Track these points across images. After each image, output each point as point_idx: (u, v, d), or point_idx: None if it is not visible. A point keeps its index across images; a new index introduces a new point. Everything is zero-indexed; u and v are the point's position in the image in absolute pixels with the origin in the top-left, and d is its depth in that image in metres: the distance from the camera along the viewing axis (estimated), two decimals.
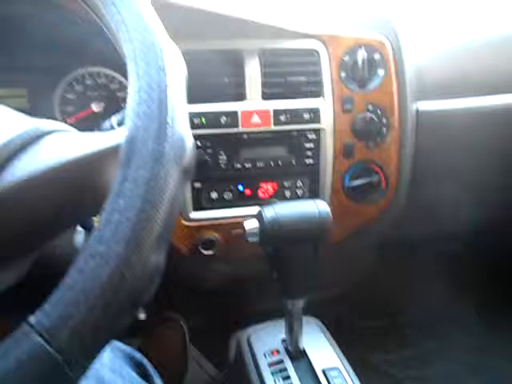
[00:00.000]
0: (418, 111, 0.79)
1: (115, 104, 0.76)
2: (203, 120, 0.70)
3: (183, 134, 0.32)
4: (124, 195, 0.28)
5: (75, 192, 0.32)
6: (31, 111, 0.74)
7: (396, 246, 0.90)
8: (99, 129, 0.49)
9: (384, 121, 0.75)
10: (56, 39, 0.69)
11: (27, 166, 0.30)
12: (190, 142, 0.33)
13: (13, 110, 0.35)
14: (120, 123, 0.47)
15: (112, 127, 0.47)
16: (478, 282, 1.16)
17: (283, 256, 0.59)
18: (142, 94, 0.31)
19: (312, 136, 0.75)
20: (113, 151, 0.31)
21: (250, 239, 0.58)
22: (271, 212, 0.57)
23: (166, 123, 0.30)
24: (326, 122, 0.75)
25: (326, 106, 0.74)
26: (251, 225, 0.58)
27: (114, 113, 0.76)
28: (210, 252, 0.76)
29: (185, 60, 0.68)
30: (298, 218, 0.57)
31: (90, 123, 0.75)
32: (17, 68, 0.73)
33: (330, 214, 0.58)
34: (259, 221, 0.58)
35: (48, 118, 0.75)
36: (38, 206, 0.31)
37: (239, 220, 0.75)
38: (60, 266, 0.35)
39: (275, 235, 0.57)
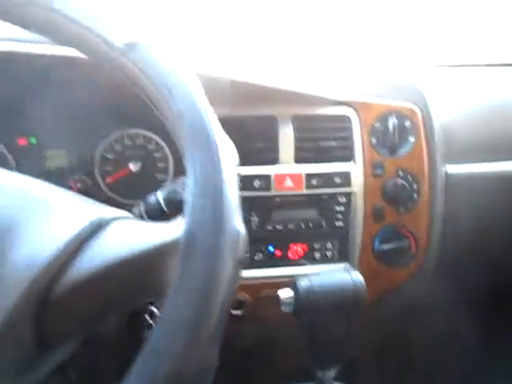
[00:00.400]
0: (447, 175, 0.79)
1: (152, 164, 0.79)
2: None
3: (238, 227, 0.33)
4: (182, 293, 0.29)
5: (134, 287, 0.33)
6: (71, 170, 0.77)
7: (424, 308, 0.88)
8: (144, 200, 0.51)
9: (414, 186, 0.76)
10: (98, 102, 0.73)
11: (89, 262, 0.31)
12: (243, 233, 0.34)
13: (72, 195, 0.37)
14: (166, 199, 0.49)
15: (157, 201, 0.49)
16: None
17: (317, 326, 0.59)
18: (199, 187, 0.32)
19: (343, 199, 0.76)
20: (172, 246, 0.32)
21: (284, 309, 0.58)
22: (306, 282, 0.57)
23: (222, 218, 0.32)
24: (357, 185, 0.76)
25: (356, 170, 0.76)
26: (286, 294, 0.58)
27: (150, 173, 0.79)
28: (238, 312, 0.76)
29: (221, 125, 0.71)
30: (332, 288, 0.57)
31: (127, 182, 0.78)
32: (58, 129, 0.76)
33: (364, 283, 0.58)
34: (294, 291, 0.58)
35: (86, 176, 0.78)
36: (96, 300, 0.32)
37: (269, 281, 0.76)
38: (104, 346, 0.36)
39: (310, 306, 0.57)
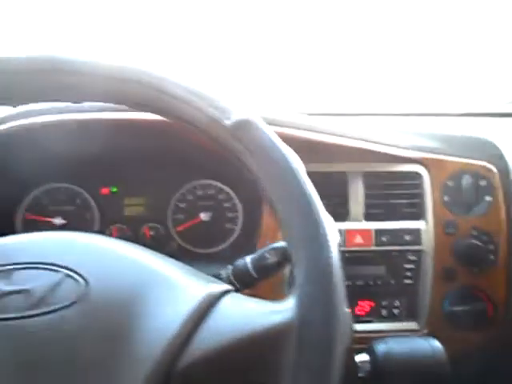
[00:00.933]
0: None
1: (222, 213, 0.81)
2: None
3: (348, 313, 0.34)
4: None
5: (247, 367, 0.34)
6: (146, 218, 0.81)
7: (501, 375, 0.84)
8: (233, 264, 0.52)
9: (491, 247, 0.73)
10: (173, 154, 0.77)
11: (206, 341, 0.33)
12: (351, 319, 0.34)
13: (185, 269, 0.39)
14: (255, 265, 0.50)
15: (246, 266, 0.50)
16: None
17: None
18: (310, 276, 0.33)
19: (412, 257, 0.75)
20: (285, 329, 0.33)
21: (360, 374, 0.57)
22: (384, 347, 0.56)
23: (335, 306, 0.32)
24: (427, 244, 0.74)
25: (427, 228, 0.75)
26: (362, 358, 0.58)
27: (220, 223, 0.81)
28: None
29: None
30: (412, 355, 0.56)
31: (198, 231, 0.81)
32: (137, 179, 0.81)
33: (446, 355, 0.56)
34: (370, 355, 0.57)
35: (159, 224, 0.81)
36: (212, 378, 0.33)
37: None
38: None
39: (387, 372, 0.55)
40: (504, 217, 0.73)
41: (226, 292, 0.38)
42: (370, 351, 0.58)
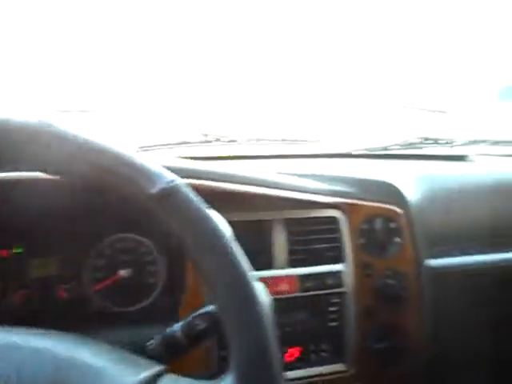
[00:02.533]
0: (433, 270, 0.83)
1: (143, 268, 0.77)
2: None
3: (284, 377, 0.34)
4: None
5: None
6: (60, 278, 0.74)
7: None
8: (162, 333, 0.49)
9: (403, 284, 0.79)
10: (91, 208, 0.72)
11: None
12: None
13: (111, 352, 0.36)
14: (185, 333, 0.47)
15: (175, 334, 0.47)
16: None
17: None
18: (246, 354, 0.33)
19: (335, 300, 0.78)
20: None
21: None
22: None
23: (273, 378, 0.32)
24: (348, 285, 0.78)
25: (347, 270, 0.78)
26: None
27: (142, 278, 0.77)
28: None
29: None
30: None
31: (117, 289, 0.75)
32: (46, 237, 0.74)
33: None
34: None
35: (76, 283, 0.74)
36: None
37: None
38: None
39: None
40: (412, 256, 0.80)
41: (159, 375, 0.35)
42: None
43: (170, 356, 0.48)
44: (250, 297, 0.36)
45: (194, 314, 0.49)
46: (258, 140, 1.11)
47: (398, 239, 0.80)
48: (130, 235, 0.77)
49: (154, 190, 0.38)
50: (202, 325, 0.48)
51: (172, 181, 0.39)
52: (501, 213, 1.02)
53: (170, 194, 0.38)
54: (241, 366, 0.34)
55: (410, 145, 1.20)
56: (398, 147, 1.18)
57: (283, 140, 1.17)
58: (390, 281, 0.77)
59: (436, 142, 1.22)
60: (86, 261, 0.75)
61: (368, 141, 1.24)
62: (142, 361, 0.38)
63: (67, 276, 0.74)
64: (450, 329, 0.85)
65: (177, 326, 0.49)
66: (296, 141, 1.16)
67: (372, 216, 0.80)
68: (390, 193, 0.83)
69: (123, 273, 0.76)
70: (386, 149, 1.17)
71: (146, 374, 0.34)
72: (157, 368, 0.37)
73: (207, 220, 0.39)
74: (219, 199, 0.73)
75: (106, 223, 0.75)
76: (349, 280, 0.78)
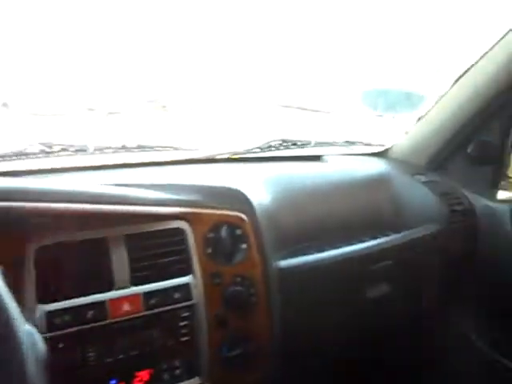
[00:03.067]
0: (281, 271, 0.85)
1: None
2: (66, 318, 0.65)
3: None
4: None
5: None
6: None
7: None
8: None
9: (252, 290, 0.79)
10: None
11: None
12: None
13: None
14: None
15: None
16: None
17: None
18: None
19: (185, 313, 0.75)
20: None
21: None
22: None
23: None
24: (198, 297, 0.76)
25: (196, 281, 0.76)
26: None
27: None
28: None
29: (42, 255, 0.64)
30: None
31: None
32: None
33: None
34: None
35: None
36: None
37: None
38: None
39: None
40: (259, 260, 0.81)
41: None
42: None
43: None
44: (8, 358, 0.31)
45: None
46: (110, 148, 1.04)
47: (244, 245, 0.80)
48: None
49: None
50: None
51: None
52: (350, 208, 1.09)
53: None
54: None
55: (270, 147, 1.23)
56: (259, 150, 1.20)
57: (140, 147, 1.12)
58: (238, 287, 0.78)
59: (294, 143, 1.27)
60: None
61: (231, 144, 1.25)
62: None
63: None
64: (302, 329, 0.88)
65: None
66: (153, 148, 1.12)
67: (218, 224, 0.79)
68: (236, 199, 0.83)
69: None
70: (247, 152, 1.18)
71: None
72: None
73: None
74: (42, 221, 0.66)
75: None
76: (197, 291, 0.76)
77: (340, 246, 0.97)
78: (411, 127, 1.30)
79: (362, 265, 0.99)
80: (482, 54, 1.09)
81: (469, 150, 1.16)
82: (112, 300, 0.69)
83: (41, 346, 0.34)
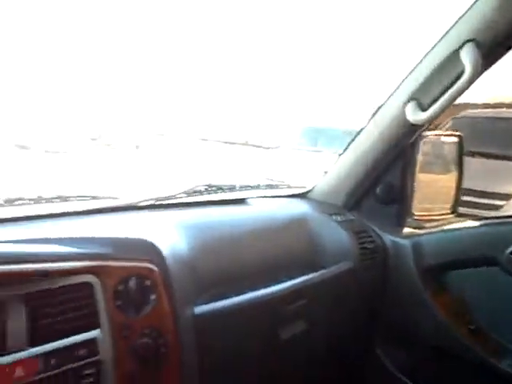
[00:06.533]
0: (196, 318, 0.86)
1: None
2: None
3: None
4: None
5: None
6: None
7: None
8: None
9: (161, 341, 0.79)
10: None
11: None
12: None
13: None
14: None
15: None
16: None
17: None
18: None
19: (91, 370, 0.73)
20: None
21: None
22: None
23: None
24: (105, 352, 0.74)
25: (103, 336, 0.75)
26: None
27: None
28: None
29: None
30: None
31: None
32: None
33: None
34: None
35: None
36: None
37: None
38: None
39: None
40: (168, 311, 0.81)
41: None
42: None
43: None
44: None
45: None
46: (22, 200, 1.01)
47: (153, 296, 0.80)
48: None
49: None
50: None
51: None
52: (269, 249, 1.13)
53: None
54: None
55: (195, 192, 1.25)
56: (184, 195, 1.22)
57: (58, 197, 1.09)
58: (146, 339, 0.77)
59: (220, 187, 1.30)
60: None
61: (157, 190, 1.26)
62: None
63: None
64: (221, 376, 0.88)
65: None
66: (71, 197, 1.10)
67: (127, 276, 0.79)
68: (144, 250, 0.83)
69: None
70: (172, 197, 1.19)
71: None
72: None
73: None
74: None
75: None
76: (105, 346, 0.74)
77: (258, 288, 1.00)
78: (330, 167, 1.38)
79: (279, 305, 1.02)
80: (386, 97, 1.19)
81: (377, 191, 1.26)
82: (4, 366, 0.65)
83: None
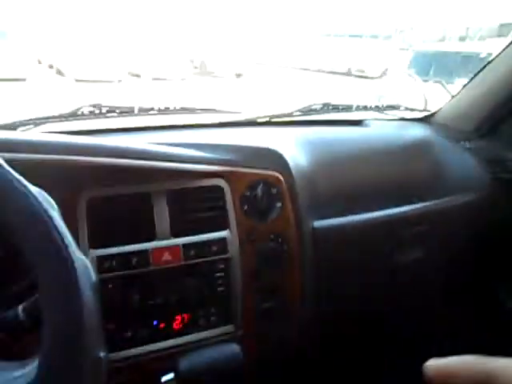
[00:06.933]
0: (314, 231, 0.88)
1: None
2: (113, 263, 0.71)
3: (99, 357, 0.34)
4: None
5: None
6: None
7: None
8: (1, 313, 0.48)
9: (284, 247, 0.82)
10: None
11: None
12: (105, 363, 0.35)
13: None
14: (26, 312, 0.46)
15: (17, 317, 0.47)
16: None
17: None
18: (56, 329, 0.33)
19: (221, 265, 0.80)
20: None
21: None
22: (186, 364, 0.59)
23: (80, 358, 0.32)
24: (233, 251, 0.80)
25: (232, 237, 0.80)
26: (167, 377, 0.59)
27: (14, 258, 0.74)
28: None
29: (93, 206, 0.70)
30: (214, 366, 0.59)
31: None
32: None
33: (242, 355, 0.61)
34: (175, 373, 0.59)
35: None
36: None
37: (155, 355, 0.75)
38: None
39: None
40: (292, 219, 0.84)
41: None
42: (174, 368, 0.60)
43: (12, 337, 0.47)
44: (64, 277, 0.36)
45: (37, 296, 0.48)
46: (155, 110, 1.08)
47: (279, 204, 0.83)
48: None
49: None
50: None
51: None
52: (389, 173, 1.09)
53: None
54: (47, 341, 0.33)
55: (311, 111, 1.23)
56: (300, 113, 1.21)
57: (183, 109, 1.15)
58: (272, 244, 0.81)
59: (336, 107, 1.26)
60: None
61: (271, 108, 1.26)
62: None
63: None
64: (333, 287, 0.91)
65: (20, 307, 0.48)
66: (195, 110, 1.15)
67: (254, 183, 0.82)
68: (273, 159, 0.85)
69: None
70: (288, 115, 1.19)
71: None
72: None
73: (23, 196, 0.38)
74: (94, 174, 0.72)
75: None
76: (233, 246, 0.80)
77: (376, 210, 0.98)
78: (459, 91, 1.25)
79: (397, 229, 1.00)
80: None
81: None
82: (154, 249, 0.75)
83: (93, 273, 0.39)
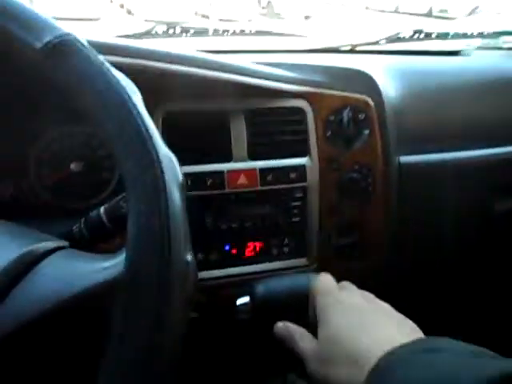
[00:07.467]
0: (400, 166, 0.79)
1: (97, 162, 0.73)
2: (188, 183, 0.68)
3: (186, 259, 0.30)
4: (126, 343, 0.26)
5: (74, 333, 0.30)
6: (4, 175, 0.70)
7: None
8: (85, 214, 0.47)
9: (369, 180, 0.75)
10: (25, 95, 0.66)
11: (21, 309, 0.28)
12: (193, 266, 0.31)
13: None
14: (109, 215, 0.44)
15: (100, 217, 0.45)
16: None
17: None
18: (142, 220, 0.29)
19: (298, 194, 0.74)
20: (109, 286, 0.29)
21: (241, 316, 0.56)
22: (262, 288, 0.56)
23: (168, 251, 0.29)
24: (312, 180, 0.74)
25: (311, 164, 0.74)
26: (243, 301, 0.56)
27: (95, 173, 0.73)
28: (193, 314, 0.73)
29: (169, 121, 0.66)
30: (290, 292, 0.56)
31: (69, 184, 0.72)
32: None
33: None
34: (251, 296, 0.56)
35: (20, 180, 0.71)
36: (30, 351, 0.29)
37: (226, 280, 0.73)
38: None
39: (268, 313, 0.55)
40: (380, 149, 0.75)
41: (55, 250, 0.33)
42: (250, 293, 0.57)
43: (95, 239, 0.46)
44: (153, 170, 0.32)
45: (119, 197, 0.46)
46: (228, 32, 1.01)
47: (366, 131, 0.74)
48: (78, 128, 0.72)
49: (40, 43, 0.33)
50: (126, 207, 0.45)
51: (62, 35, 0.33)
52: (492, 110, 0.95)
53: (60, 49, 0.33)
54: (135, 237, 0.30)
55: (399, 39, 1.09)
56: (386, 42, 1.08)
57: (258, 32, 1.07)
58: (355, 175, 0.74)
59: (428, 35, 1.11)
60: (29, 156, 0.70)
61: (355, 36, 1.14)
62: (45, 237, 0.35)
63: (10, 173, 0.70)
64: (415, 226, 0.82)
65: (101, 209, 0.46)
66: (277, 34, 1.06)
67: (340, 106, 0.74)
68: (362, 81, 0.76)
69: (74, 167, 0.72)
70: (374, 43, 1.07)
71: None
72: (55, 243, 0.34)
73: (106, 79, 0.34)
74: (176, 85, 0.67)
75: (46, 115, 0.70)
76: (313, 174, 0.74)
77: (472, 149, 0.87)
78: None
79: (494, 173, 0.88)
80: None
81: None
82: (230, 171, 0.70)
83: (179, 171, 0.34)
